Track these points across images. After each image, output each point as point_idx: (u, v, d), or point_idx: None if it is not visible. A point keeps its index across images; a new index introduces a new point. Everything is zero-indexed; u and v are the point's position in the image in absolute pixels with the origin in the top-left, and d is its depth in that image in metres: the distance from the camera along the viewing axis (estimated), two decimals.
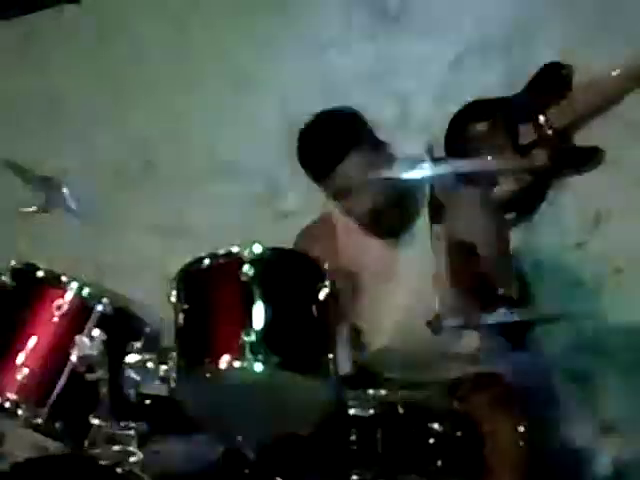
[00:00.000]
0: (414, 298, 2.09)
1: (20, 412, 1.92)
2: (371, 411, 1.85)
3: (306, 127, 2.15)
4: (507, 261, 1.96)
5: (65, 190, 2.00)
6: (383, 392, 1.93)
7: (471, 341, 2.10)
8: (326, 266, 1.86)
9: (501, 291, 1.82)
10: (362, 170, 2.00)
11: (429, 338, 1.89)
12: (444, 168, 1.70)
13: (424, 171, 1.66)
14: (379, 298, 2.23)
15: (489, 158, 1.77)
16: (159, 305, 1.89)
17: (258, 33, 3.21)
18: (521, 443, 1.88)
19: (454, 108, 2.23)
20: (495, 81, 2.46)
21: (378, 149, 2.12)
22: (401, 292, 2.16)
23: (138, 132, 3.29)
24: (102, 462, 1.83)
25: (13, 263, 1.98)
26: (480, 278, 2.01)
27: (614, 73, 1.79)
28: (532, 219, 2.20)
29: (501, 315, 1.75)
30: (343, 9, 3.05)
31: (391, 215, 2.12)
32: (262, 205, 3.03)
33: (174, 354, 1.79)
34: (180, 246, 2.35)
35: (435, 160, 1.68)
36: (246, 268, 1.72)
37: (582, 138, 1.83)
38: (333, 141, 2.11)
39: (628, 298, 2.64)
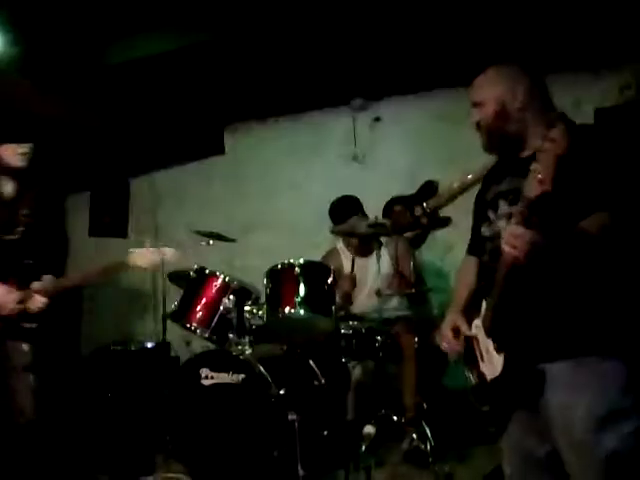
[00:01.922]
0: (376, 282, 4.09)
1: (198, 331, 3.89)
2: (350, 331, 3.90)
3: (334, 202, 4.32)
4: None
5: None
6: (356, 323, 3.96)
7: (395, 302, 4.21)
8: (332, 268, 3.89)
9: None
10: (356, 225, 4.06)
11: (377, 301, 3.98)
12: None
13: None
14: (359, 286, 4.30)
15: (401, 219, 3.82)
16: (261, 284, 3.89)
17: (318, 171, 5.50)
18: (416, 344, 3.95)
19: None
20: (404, 189, 4.47)
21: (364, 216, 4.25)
22: (369, 281, 4.26)
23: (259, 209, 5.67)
24: (234, 353, 3.70)
25: (195, 266, 4.04)
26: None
27: (455, 185, 3.75)
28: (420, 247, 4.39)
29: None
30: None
31: (366, 246, 4.23)
32: (305, 239, 5.27)
33: (265, 306, 3.76)
34: (268, 264, 3.90)
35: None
36: (297, 270, 3.72)
37: (442, 213, 3.89)
38: (345, 209, 4.25)
39: None
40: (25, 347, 3.23)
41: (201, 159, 6.04)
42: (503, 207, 2.21)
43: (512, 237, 1.94)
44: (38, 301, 3.17)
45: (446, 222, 3.82)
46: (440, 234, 4.59)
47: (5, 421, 3.15)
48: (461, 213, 4.35)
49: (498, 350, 2.13)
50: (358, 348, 3.86)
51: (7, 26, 3.91)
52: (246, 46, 4.37)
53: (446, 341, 2.37)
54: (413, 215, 3.65)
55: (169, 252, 3.35)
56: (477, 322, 2.27)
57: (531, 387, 2.09)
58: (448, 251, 4.95)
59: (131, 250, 3.34)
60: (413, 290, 4.06)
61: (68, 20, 3.97)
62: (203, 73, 4.79)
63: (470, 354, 2.31)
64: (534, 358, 2.06)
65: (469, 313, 2.35)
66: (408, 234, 4.14)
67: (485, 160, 3.30)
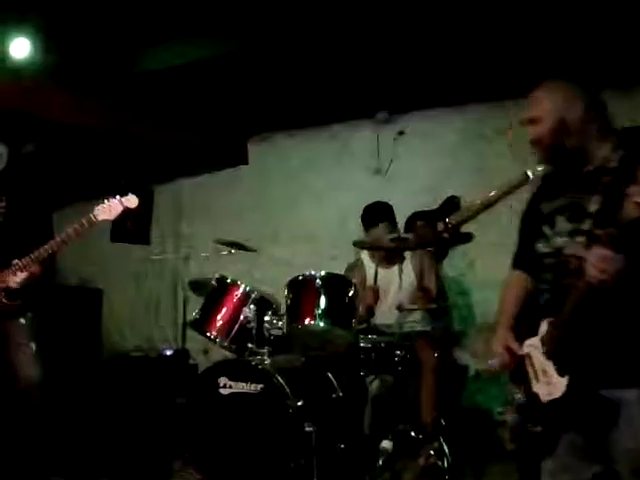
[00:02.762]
0: (398, 295, 4.11)
1: (218, 339, 3.92)
2: (369, 344, 3.87)
3: (367, 207, 4.30)
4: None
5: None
6: (375, 336, 3.94)
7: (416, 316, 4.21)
8: (354, 280, 3.90)
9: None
10: (379, 238, 4.08)
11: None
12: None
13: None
14: (381, 298, 4.26)
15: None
16: (281, 295, 3.91)
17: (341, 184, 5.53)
18: (435, 359, 3.92)
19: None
20: (427, 204, 4.50)
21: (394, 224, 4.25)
22: (391, 293, 4.24)
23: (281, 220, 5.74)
24: (252, 363, 3.67)
25: (216, 275, 4.07)
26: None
27: (477, 202, 3.74)
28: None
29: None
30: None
31: (390, 258, 4.22)
32: (326, 251, 5.32)
33: (285, 316, 3.79)
34: (289, 275, 3.95)
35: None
36: (318, 282, 3.74)
37: (464, 229, 3.88)
38: (376, 215, 4.23)
39: None
40: (22, 320, 3.42)
41: (225, 169, 6.09)
42: (561, 223, 2.17)
43: (601, 260, 1.89)
44: (17, 277, 3.31)
45: (468, 238, 3.80)
46: (461, 250, 4.60)
47: (11, 392, 3.30)
48: (483, 229, 4.41)
49: (560, 373, 2.09)
50: (377, 362, 3.85)
51: (41, 34, 3.96)
52: (271, 57, 4.41)
53: (498, 357, 2.33)
54: (435, 230, 3.62)
55: (130, 200, 3.49)
56: (532, 341, 2.23)
57: (599, 412, 2.06)
58: (469, 267, 4.96)
59: (96, 207, 3.43)
60: (434, 305, 4.05)
61: (100, 28, 4.03)
62: (229, 84, 4.83)
63: (519, 372, 2.28)
64: (605, 383, 2.02)
65: (518, 329, 2.31)
66: (430, 249, 4.13)
67: (509, 176, 3.35)
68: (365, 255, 4.44)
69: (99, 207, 3.40)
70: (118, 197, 3.48)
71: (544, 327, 2.18)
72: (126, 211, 3.47)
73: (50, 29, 3.95)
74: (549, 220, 2.23)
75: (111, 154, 5.62)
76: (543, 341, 2.18)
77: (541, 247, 2.25)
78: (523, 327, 2.30)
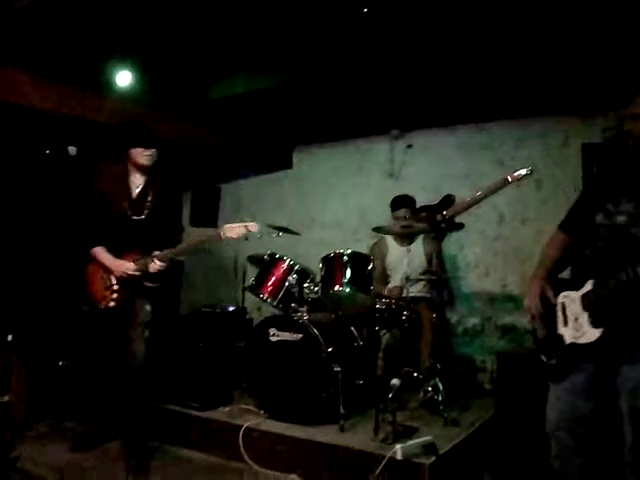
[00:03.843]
0: (407, 269, 3.99)
1: (268, 300, 3.95)
2: (383, 306, 3.83)
3: (396, 196, 4.29)
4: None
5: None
6: (388, 300, 3.88)
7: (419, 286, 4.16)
8: (372, 258, 3.87)
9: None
10: (404, 215, 4.08)
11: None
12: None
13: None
14: (396, 268, 4.24)
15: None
16: (317, 267, 3.91)
17: (362, 185, 5.49)
18: (433, 319, 3.90)
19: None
20: (429, 200, 4.33)
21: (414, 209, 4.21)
22: (403, 267, 4.16)
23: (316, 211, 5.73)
24: (294, 318, 3.67)
25: (268, 252, 4.06)
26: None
27: (468, 199, 3.68)
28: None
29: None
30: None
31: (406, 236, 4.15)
32: (350, 235, 5.30)
33: (320, 284, 3.79)
34: (323, 252, 3.95)
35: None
36: (345, 258, 3.73)
37: (458, 219, 3.82)
38: (401, 202, 4.21)
39: None
40: (148, 307, 3.30)
41: (274, 171, 6.06)
42: (625, 205, 2.07)
43: None
44: (156, 264, 3.21)
45: (460, 226, 3.75)
46: (455, 235, 4.54)
47: (122, 361, 3.24)
48: (471, 220, 4.35)
49: (595, 325, 2.02)
50: (389, 319, 3.84)
51: (139, 67, 3.97)
52: (311, 87, 4.33)
53: (533, 303, 2.25)
54: (435, 220, 3.56)
55: (252, 226, 3.24)
56: (570, 294, 2.15)
57: (617, 359, 2.01)
58: (460, 249, 4.88)
59: (223, 225, 3.23)
60: (434, 277, 4.00)
61: (184, 65, 4.02)
62: (279, 108, 4.78)
63: (546, 314, 2.21)
64: (633, 343, 1.96)
65: (550, 279, 2.25)
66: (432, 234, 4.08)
67: (490, 180, 3.29)
68: (389, 237, 4.40)
69: (227, 226, 3.17)
70: (245, 222, 3.23)
71: (588, 286, 2.08)
72: (246, 234, 3.20)
73: (145, 63, 3.94)
74: (614, 199, 2.11)
75: (191, 162, 5.63)
76: (585, 295, 2.08)
77: (600, 219, 2.13)
78: (558, 279, 2.22)
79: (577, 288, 2.13)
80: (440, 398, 3.53)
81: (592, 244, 2.15)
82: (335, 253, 3.79)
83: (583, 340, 2.05)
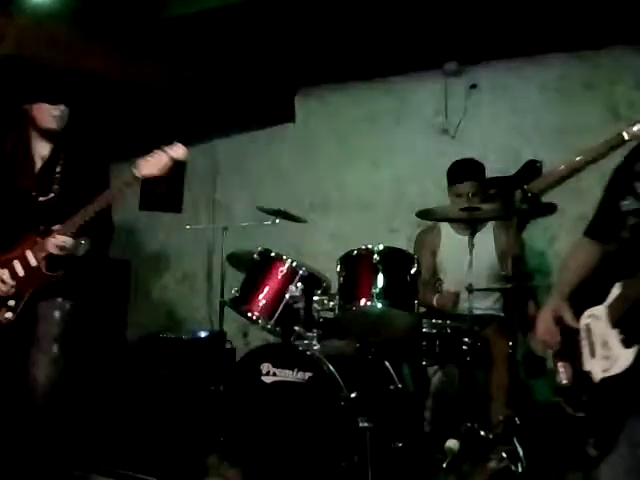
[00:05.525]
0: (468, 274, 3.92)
1: (260, 321, 3.94)
2: (433, 330, 3.87)
3: (454, 162, 4.31)
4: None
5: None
6: (441, 321, 3.91)
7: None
8: (417, 257, 3.87)
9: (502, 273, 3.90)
10: (469, 190, 4.06)
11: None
12: None
13: None
14: (453, 271, 4.24)
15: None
16: (332, 272, 3.90)
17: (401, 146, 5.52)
18: (509, 349, 3.88)
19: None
20: (503, 169, 4.44)
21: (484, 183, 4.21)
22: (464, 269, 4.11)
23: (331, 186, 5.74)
24: (300, 348, 3.69)
25: (259, 249, 4.08)
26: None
27: (561, 167, 3.67)
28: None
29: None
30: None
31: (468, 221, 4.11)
32: (383, 223, 5.31)
33: (337, 296, 3.77)
34: (341, 249, 3.99)
35: None
36: (376, 258, 3.69)
37: (545, 198, 3.80)
38: (464, 172, 4.22)
39: None
40: (57, 314, 3.40)
41: (268, 127, 6.07)
42: None
43: None
44: (57, 239, 3.28)
45: (551, 209, 3.76)
46: (542, 223, 4.52)
47: (18, 392, 3.31)
48: (567, 200, 4.34)
49: (627, 344, 2.08)
50: (442, 350, 3.86)
51: None
52: None
53: (544, 329, 2.38)
54: (512, 200, 3.58)
55: (177, 148, 3.32)
56: (594, 311, 2.24)
57: None
58: (550, 243, 4.87)
59: (138, 161, 3.32)
60: (510, 286, 4.00)
61: None
62: (273, 28, 4.79)
63: (568, 349, 2.31)
64: None
65: (576, 304, 2.33)
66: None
67: (599, 137, 3.29)
68: (444, 223, 4.41)
69: (141, 161, 3.30)
70: (163, 148, 3.34)
71: (615, 292, 2.18)
72: (175, 164, 3.35)
73: None
74: None
75: (137, 105, 5.64)
76: (611, 307, 2.18)
77: (627, 204, 2.26)
78: (585, 297, 2.31)
79: (603, 300, 2.22)
80: (520, 469, 3.53)
81: (618, 238, 2.28)
82: (360, 250, 3.80)
83: (615, 370, 2.10)
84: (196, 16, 4.47)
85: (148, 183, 6.05)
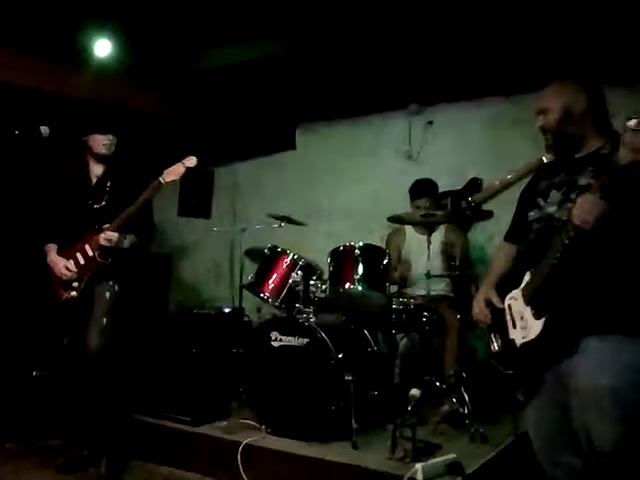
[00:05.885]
0: (426, 264, 3.96)
1: (269, 300, 3.95)
2: (400, 306, 3.86)
3: (415, 182, 4.31)
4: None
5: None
6: (405, 299, 3.91)
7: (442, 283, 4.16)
8: (388, 251, 3.88)
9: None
10: (425, 204, 4.08)
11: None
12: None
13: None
14: (415, 261, 4.26)
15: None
16: (324, 262, 3.91)
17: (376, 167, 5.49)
18: (458, 320, 3.89)
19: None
20: (452, 185, 4.43)
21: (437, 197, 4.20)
22: (421, 261, 4.14)
23: (323, 198, 5.72)
24: (300, 320, 3.68)
25: (269, 245, 4.08)
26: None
27: (497, 183, 3.69)
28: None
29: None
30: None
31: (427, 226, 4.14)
32: (362, 226, 5.29)
33: (328, 281, 3.79)
34: (331, 245, 3.98)
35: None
36: (357, 251, 3.72)
37: (485, 207, 3.81)
38: (422, 189, 4.21)
39: None
40: (107, 294, 3.42)
41: (275, 153, 6.07)
42: (554, 195, 2.18)
43: (586, 203, 1.89)
44: (107, 235, 3.32)
45: (489, 215, 3.75)
46: (482, 225, 4.53)
47: (77, 350, 3.36)
48: (501, 207, 4.32)
49: (537, 316, 2.10)
50: (406, 322, 3.83)
51: (118, 34, 3.96)
52: (316, 57, 4.35)
53: (478, 309, 2.42)
54: (460, 207, 3.56)
55: (190, 160, 3.38)
56: (513, 294, 2.26)
57: (565, 353, 2.07)
58: (489, 240, 4.83)
59: (164, 171, 3.36)
60: (458, 272, 4.00)
61: (169, 33, 4.01)
62: (280, 79, 4.78)
63: (497, 323, 2.33)
64: (576, 328, 2.03)
65: (500, 290, 2.36)
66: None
67: (524, 161, 3.28)
68: (409, 225, 4.40)
69: (165, 171, 3.36)
70: (181, 160, 3.41)
71: (526, 278, 2.20)
72: (188, 170, 3.38)
73: (129, 34, 3.95)
74: (544, 194, 2.25)
75: (178, 141, 5.63)
76: (524, 289, 2.19)
77: (532, 215, 2.28)
78: (507, 285, 2.33)
79: (519, 285, 2.25)
80: (466, 411, 3.53)
81: (527, 240, 2.30)
82: (345, 246, 3.80)
83: (531, 336, 2.12)
84: (220, 70, 4.46)
85: (185, 195, 6.14)
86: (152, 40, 4.07)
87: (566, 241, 1.95)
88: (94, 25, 3.86)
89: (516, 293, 2.25)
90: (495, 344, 2.35)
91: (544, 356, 2.12)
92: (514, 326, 2.23)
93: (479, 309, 2.42)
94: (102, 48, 3.99)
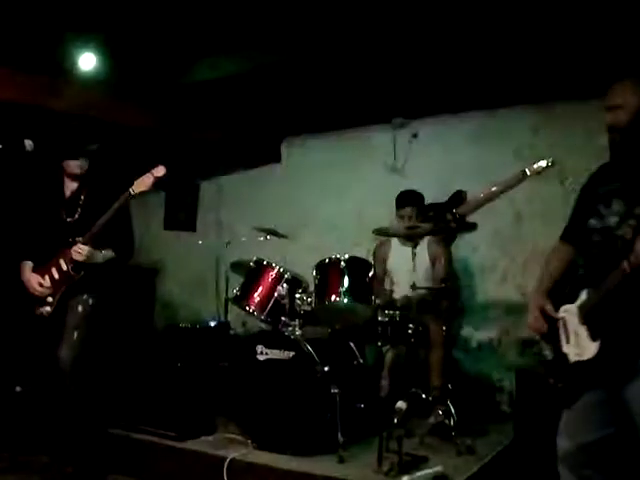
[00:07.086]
0: (412, 276, 3.95)
1: (255, 313, 3.96)
2: (386, 319, 3.84)
3: (401, 192, 4.34)
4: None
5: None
6: (391, 312, 3.88)
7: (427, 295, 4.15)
8: (372, 261, 3.89)
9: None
10: (410, 213, 4.11)
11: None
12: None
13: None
14: (400, 274, 4.26)
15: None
16: (310, 275, 3.92)
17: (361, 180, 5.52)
18: (443, 332, 3.90)
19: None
20: (437, 197, 4.43)
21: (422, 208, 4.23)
22: (406, 273, 4.15)
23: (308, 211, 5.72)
24: (285, 333, 3.69)
25: (254, 258, 4.08)
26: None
27: (481, 195, 3.70)
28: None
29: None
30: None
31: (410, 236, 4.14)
32: (348, 238, 5.30)
33: (314, 294, 3.79)
34: (316, 258, 3.97)
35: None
36: (342, 264, 3.74)
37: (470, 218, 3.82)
38: (408, 199, 4.24)
39: None
40: (79, 308, 3.40)
41: (261, 166, 6.06)
42: (616, 205, 2.15)
43: None
44: (78, 248, 3.32)
45: (473, 227, 3.76)
46: (467, 237, 4.55)
47: (52, 364, 3.32)
48: (485, 219, 4.35)
49: (593, 338, 2.09)
50: (392, 334, 3.83)
51: (103, 48, 3.96)
52: (302, 71, 4.36)
53: (533, 318, 2.36)
54: (444, 219, 3.58)
55: (159, 170, 3.36)
56: (568, 307, 2.24)
57: (622, 375, 2.07)
58: (474, 252, 4.90)
59: (135, 181, 3.37)
60: (443, 285, 4.01)
61: (156, 46, 4.02)
62: (265, 93, 4.80)
63: (551, 333, 2.30)
64: (633, 352, 2.03)
65: (553, 296, 2.34)
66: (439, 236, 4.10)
67: (508, 173, 3.31)
68: (394, 238, 4.42)
69: (136, 182, 3.36)
70: (150, 170, 3.40)
71: (583, 296, 2.17)
72: (157, 180, 3.37)
73: (114, 48, 3.95)
74: (605, 200, 2.20)
75: (163, 154, 5.62)
76: (581, 308, 2.17)
77: (593, 223, 2.23)
78: (561, 294, 2.30)
79: (574, 300, 2.23)
80: (452, 423, 3.54)
81: (586, 251, 2.26)
82: (330, 259, 3.81)
83: (585, 357, 2.12)
84: (206, 83, 4.45)
85: (170, 209, 6.11)
86: (136, 54, 4.07)
87: (627, 271, 1.95)
88: (79, 38, 3.85)
89: (572, 308, 2.23)
90: (548, 352, 2.33)
91: (599, 377, 2.12)
92: (567, 341, 2.22)
93: (534, 318, 2.36)
94: (86, 61, 3.97)
